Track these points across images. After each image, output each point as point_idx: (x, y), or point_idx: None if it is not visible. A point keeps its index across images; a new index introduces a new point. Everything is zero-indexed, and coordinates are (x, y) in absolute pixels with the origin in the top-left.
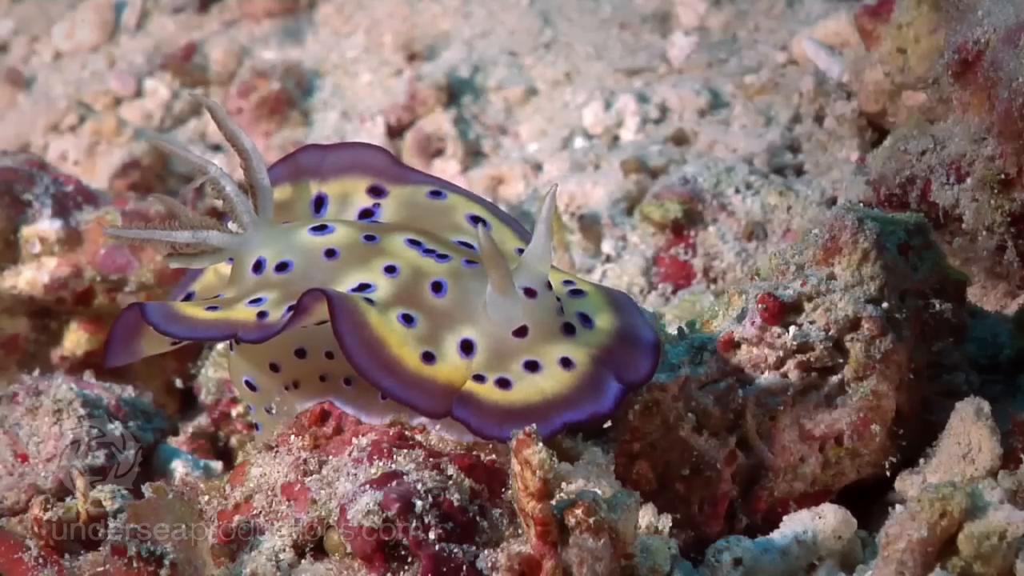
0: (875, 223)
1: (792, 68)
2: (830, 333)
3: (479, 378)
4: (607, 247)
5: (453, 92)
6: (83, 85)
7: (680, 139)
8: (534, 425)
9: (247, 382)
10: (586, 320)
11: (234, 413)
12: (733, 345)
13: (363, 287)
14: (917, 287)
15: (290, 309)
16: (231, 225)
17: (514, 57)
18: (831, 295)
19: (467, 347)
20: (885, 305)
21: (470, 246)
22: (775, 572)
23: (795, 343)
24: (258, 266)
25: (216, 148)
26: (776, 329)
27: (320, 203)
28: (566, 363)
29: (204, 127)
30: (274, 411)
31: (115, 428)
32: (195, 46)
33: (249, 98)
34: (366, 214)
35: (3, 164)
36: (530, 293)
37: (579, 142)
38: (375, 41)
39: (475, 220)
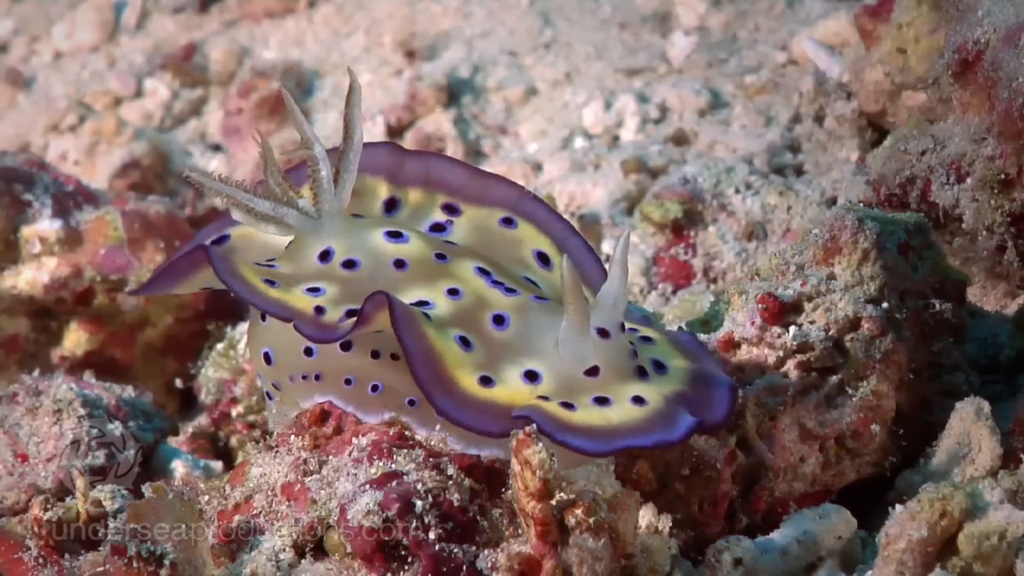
0: (875, 223)
1: (792, 68)
2: (830, 333)
3: (543, 398)
4: (607, 247)
5: (453, 92)
6: (83, 85)
7: (680, 139)
8: (534, 425)
9: (266, 353)
10: (659, 367)
11: (234, 413)
12: (733, 345)
13: (421, 303)
14: (917, 287)
15: (349, 313)
16: (302, 202)
17: (514, 57)
18: (831, 295)
19: (531, 376)
20: (885, 305)
21: (535, 283)
22: (775, 572)
23: (795, 343)
24: (325, 255)
25: (216, 148)
26: (776, 329)
27: (392, 205)
28: (638, 400)
29: (204, 127)
30: (280, 395)
31: (115, 428)
32: (195, 46)
33: (249, 98)
34: (437, 228)
35: (3, 164)
36: (604, 334)
37: (579, 142)
38: (375, 41)
39: (541, 258)
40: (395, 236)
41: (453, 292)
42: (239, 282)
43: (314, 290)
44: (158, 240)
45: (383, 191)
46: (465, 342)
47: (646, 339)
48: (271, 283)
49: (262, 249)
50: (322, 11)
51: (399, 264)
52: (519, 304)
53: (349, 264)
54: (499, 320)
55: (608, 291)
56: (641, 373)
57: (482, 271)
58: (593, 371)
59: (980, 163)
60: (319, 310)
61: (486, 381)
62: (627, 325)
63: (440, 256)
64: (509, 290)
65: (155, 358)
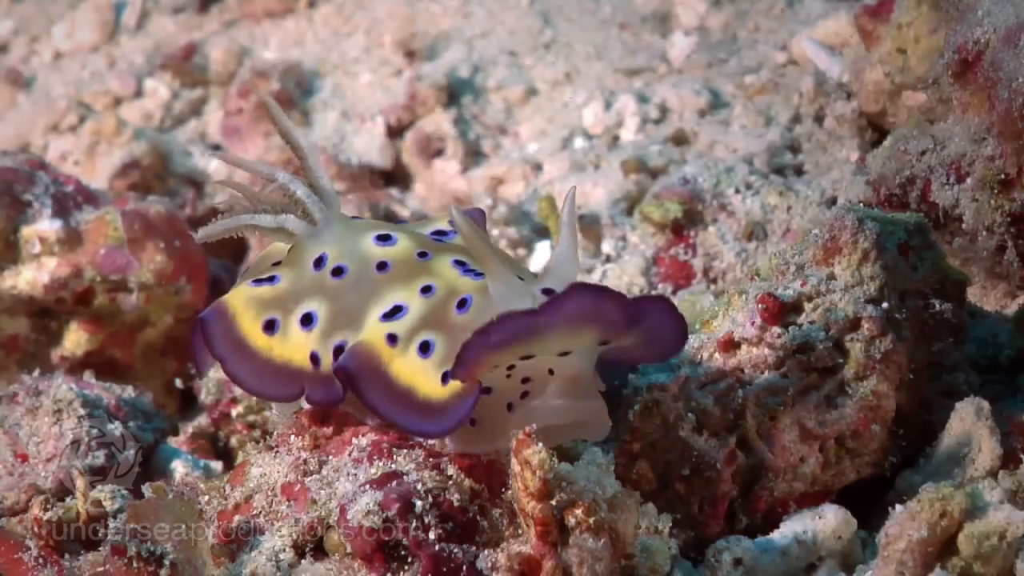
0: (875, 223)
1: (792, 68)
2: (830, 333)
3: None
4: (607, 247)
5: (453, 92)
6: (83, 85)
7: (680, 139)
8: (534, 425)
9: None
10: None
11: (234, 413)
12: (733, 345)
13: (396, 310)
14: (917, 287)
15: (336, 351)
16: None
17: (514, 57)
18: (831, 295)
19: None
20: (885, 305)
21: (521, 278)
22: (775, 572)
23: (795, 343)
24: (319, 261)
25: (216, 148)
26: (776, 329)
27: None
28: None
29: (204, 127)
30: None
31: (115, 428)
32: (195, 46)
33: (249, 98)
34: (439, 234)
35: (3, 164)
36: (550, 294)
37: (579, 142)
38: (375, 41)
39: None
40: (384, 239)
41: (426, 290)
42: (245, 361)
43: (307, 320)
44: (158, 240)
45: None
46: (425, 348)
47: None
48: (271, 327)
49: (272, 254)
50: (322, 11)
51: (381, 266)
52: (483, 285)
53: (337, 271)
54: (462, 304)
55: (558, 252)
56: None
57: (458, 263)
58: None
59: (980, 163)
60: (315, 359)
61: (446, 378)
62: None
63: (422, 254)
64: (478, 275)
65: (155, 358)
